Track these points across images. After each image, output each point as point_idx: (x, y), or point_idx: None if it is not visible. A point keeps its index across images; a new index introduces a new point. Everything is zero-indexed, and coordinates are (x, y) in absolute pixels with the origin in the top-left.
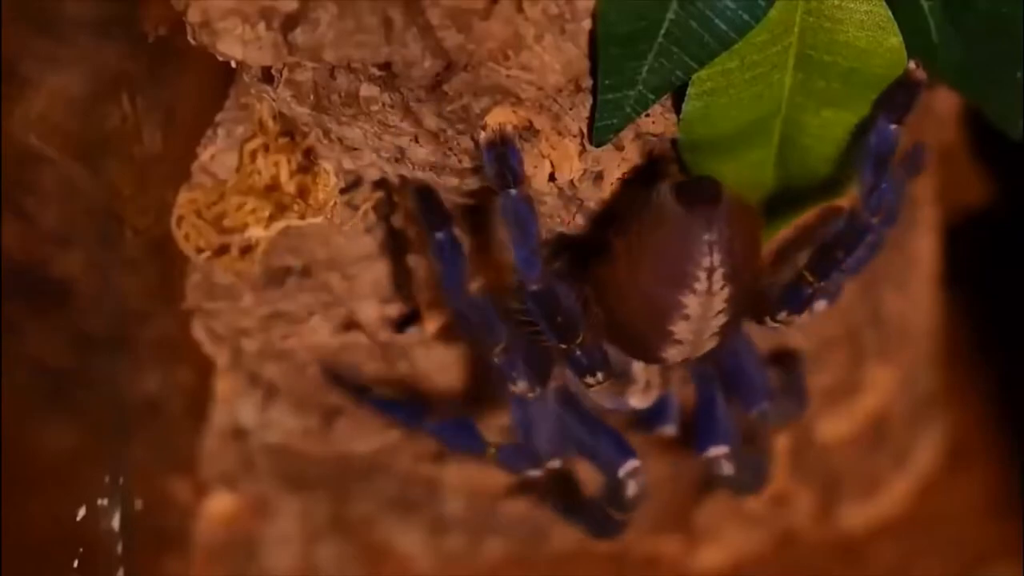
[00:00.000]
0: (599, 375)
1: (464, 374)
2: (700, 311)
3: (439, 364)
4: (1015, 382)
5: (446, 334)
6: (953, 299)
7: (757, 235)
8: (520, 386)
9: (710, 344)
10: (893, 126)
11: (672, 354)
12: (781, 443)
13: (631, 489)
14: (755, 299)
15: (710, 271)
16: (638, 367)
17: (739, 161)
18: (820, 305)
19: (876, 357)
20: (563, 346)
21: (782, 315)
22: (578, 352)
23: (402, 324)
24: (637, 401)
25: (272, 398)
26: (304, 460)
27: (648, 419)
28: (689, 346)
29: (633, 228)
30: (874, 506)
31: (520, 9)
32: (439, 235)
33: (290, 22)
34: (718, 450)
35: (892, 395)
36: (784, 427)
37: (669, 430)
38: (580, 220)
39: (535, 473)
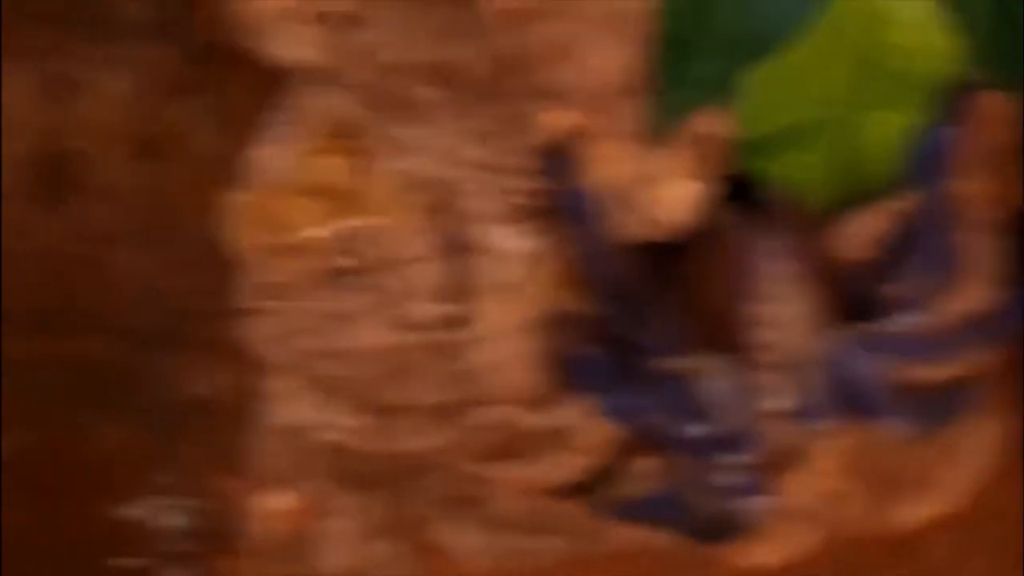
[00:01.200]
0: (673, 357)
1: (518, 374)
2: (777, 316)
3: (492, 363)
4: None
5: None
6: None
7: (818, 234)
8: None
9: (809, 344)
10: (945, 128)
11: (769, 359)
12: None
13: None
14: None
15: (777, 277)
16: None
17: (792, 160)
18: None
19: None
20: (637, 330)
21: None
22: (649, 338)
23: (455, 323)
24: (772, 402)
25: (328, 397)
26: (360, 458)
27: (799, 416)
28: (782, 350)
29: (697, 244)
30: (928, 504)
31: (575, 11)
32: None
33: (346, 24)
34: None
35: None
36: None
37: (819, 425)
38: (633, 221)
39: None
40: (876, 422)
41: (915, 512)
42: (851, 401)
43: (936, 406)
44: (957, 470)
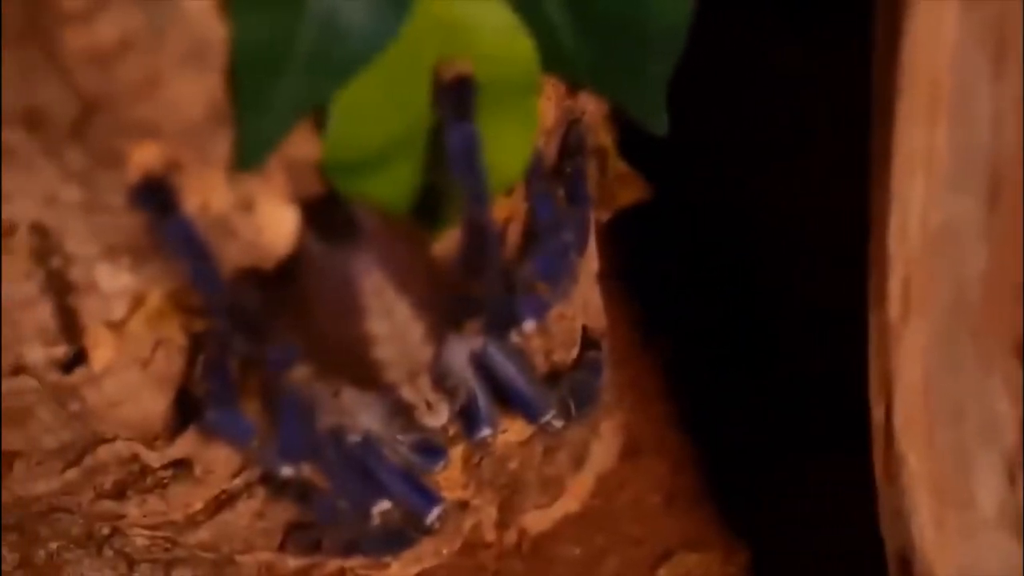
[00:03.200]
0: (301, 367)
1: (137, 409)
2: (390, 329)
3: (109, 401)
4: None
5: (113, 370)
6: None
7: (414, 236)
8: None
9: (426, 352)
10: (463, 123)
11: (393, 376)
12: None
13: (436, 527)
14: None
15: (378, 292)
16: (406, 392)
17: (388, 177)
18: (528, 325)
19: None
20: (256, 348)
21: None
22: (271, 352)
23: (69, 364)
24: (431, 420)
25: None
26: None
27: (465, 428)
28: (404, 364)
29: (297, 267)
30: (557, 506)
31: (156, 46)
32: None
33: None
34: (547, 416)
35: None
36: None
37: (485, 432)
38: (234, 249)
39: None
40: (534, 419)
41: (544, 516)
42: (507, 403)
43: (571, 399)
44: (583, 469)
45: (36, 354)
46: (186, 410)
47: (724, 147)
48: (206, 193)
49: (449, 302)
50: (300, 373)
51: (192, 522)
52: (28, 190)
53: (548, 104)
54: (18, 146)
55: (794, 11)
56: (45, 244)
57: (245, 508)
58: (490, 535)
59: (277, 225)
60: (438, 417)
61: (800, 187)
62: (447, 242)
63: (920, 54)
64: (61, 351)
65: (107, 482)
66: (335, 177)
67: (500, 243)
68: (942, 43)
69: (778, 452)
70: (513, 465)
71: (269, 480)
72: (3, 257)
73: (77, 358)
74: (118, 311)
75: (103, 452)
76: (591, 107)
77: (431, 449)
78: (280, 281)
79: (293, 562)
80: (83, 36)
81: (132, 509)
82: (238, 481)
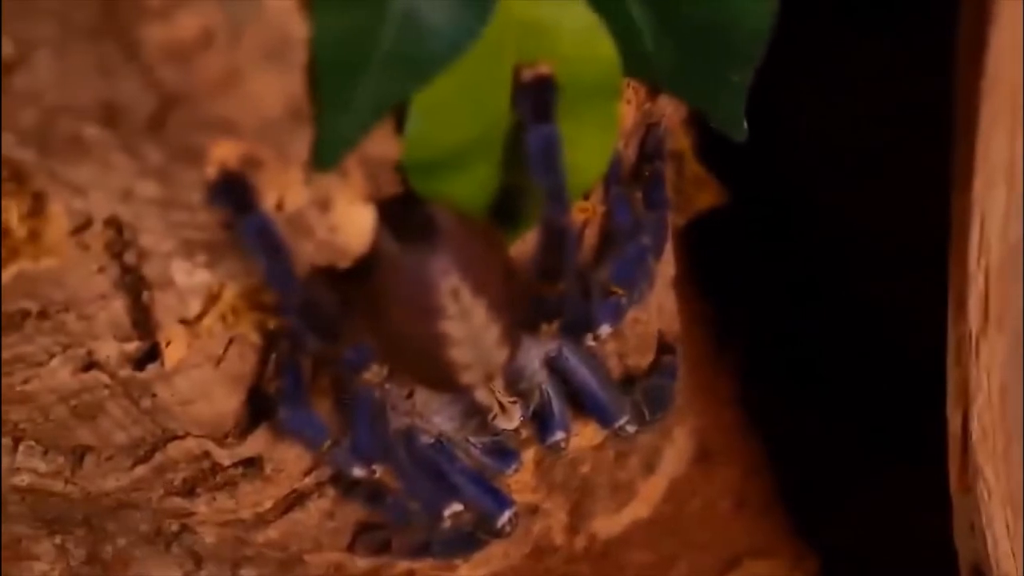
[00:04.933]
0: (374, 367)
1: (208, 406)
2: (466, 331)
3: (181, 398)
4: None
5: (185, 367)
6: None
7: (491, 237)
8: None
9: (501, 354)
10: (544, 125)
11: (468, 378)
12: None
13: (507, 530)
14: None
15: (454, 293)
16: (480, 394)
17: (466, 178)
18: (604, 330)
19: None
20: (330, 348)
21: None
22: (345, 352)
23: (142, 360)
24: (504, 423)
25: (18, 441)
26: (56, 500)
27: (538, 431)
28: (479, 366)
29: (373, 267)
30: (627, 511)
31: (236, 42)
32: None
33: (8, 67)
34: (620, 421)
35: None
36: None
37: (558, 436)
38: (309, 248)
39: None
40: (608, 424)
41: (614, 520)
42: (580, 407)
43: (645, 404)
44: (654, 474)
45: (109, 349)
46: (258, 408)
47: (801, 151)
48: (283, 191)
49: (525, 304)
50: (374, 373)
51: (261, 520)
52: (104, 185)
53: (628, 107)
54: (95, 141)
55: (875, 13)
56: (120, 239)
57: (315, 507)
58: (559, 539)
59: (354, 224)
60: (511, 420)
61: (877, 191)
62: (524, 244)
63: (1004, 63)
64: (134, 347)
65: (177, 479)
66: (413, 177)
67: (577, 246)
68: None
69: (849, 460)
70: (585, 469)
71: (339, 480)
72: (78, 251)
73: (150, 354)
74: (193, 308)
75: (173, 449)
76: (669, 110)
77: (504, 452)
78: (355, 280)
79: (362, 562)
80: (162, 31)
81: (201, 506)
82: (308, 480)
